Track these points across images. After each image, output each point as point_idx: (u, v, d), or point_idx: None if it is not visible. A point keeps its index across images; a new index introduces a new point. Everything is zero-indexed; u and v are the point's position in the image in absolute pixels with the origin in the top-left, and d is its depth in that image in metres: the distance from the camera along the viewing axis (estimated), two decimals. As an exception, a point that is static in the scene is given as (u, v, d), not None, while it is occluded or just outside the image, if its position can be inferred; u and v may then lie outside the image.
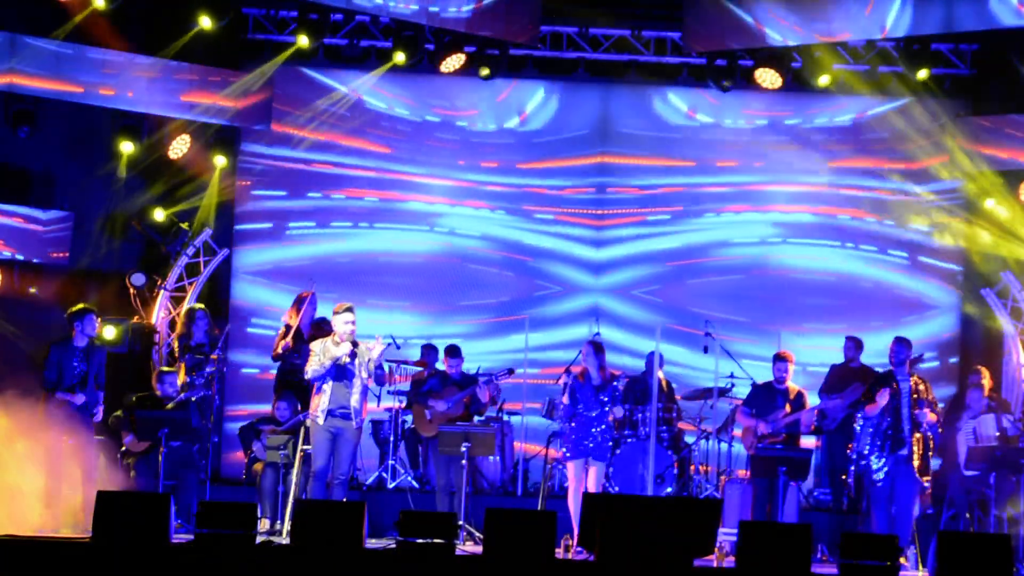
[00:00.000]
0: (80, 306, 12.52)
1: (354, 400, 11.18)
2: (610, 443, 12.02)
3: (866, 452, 11.66)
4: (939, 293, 15.61)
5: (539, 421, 14.32)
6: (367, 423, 14.28)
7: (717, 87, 15.18)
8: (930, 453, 11.76)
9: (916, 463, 11.57)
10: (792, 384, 12.79)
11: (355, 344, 11.25)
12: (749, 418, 12.74)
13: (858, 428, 11.76)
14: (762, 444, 12.45)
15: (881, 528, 11.44)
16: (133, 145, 14.54)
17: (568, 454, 11.93)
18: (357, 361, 11.22)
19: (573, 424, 11.87)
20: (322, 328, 13.12)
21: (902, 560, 11.34)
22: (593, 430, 11.86)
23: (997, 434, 12.84)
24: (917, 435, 11.59)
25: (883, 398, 11.55)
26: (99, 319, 12.60)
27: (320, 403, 11.21)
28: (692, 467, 13.95)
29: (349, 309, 11.31)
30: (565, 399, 11.90)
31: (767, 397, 12.74)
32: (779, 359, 12.82)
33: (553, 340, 15.54)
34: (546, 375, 14.93)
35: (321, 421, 11.20)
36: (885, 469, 11.54)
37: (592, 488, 11.75)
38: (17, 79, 13.71)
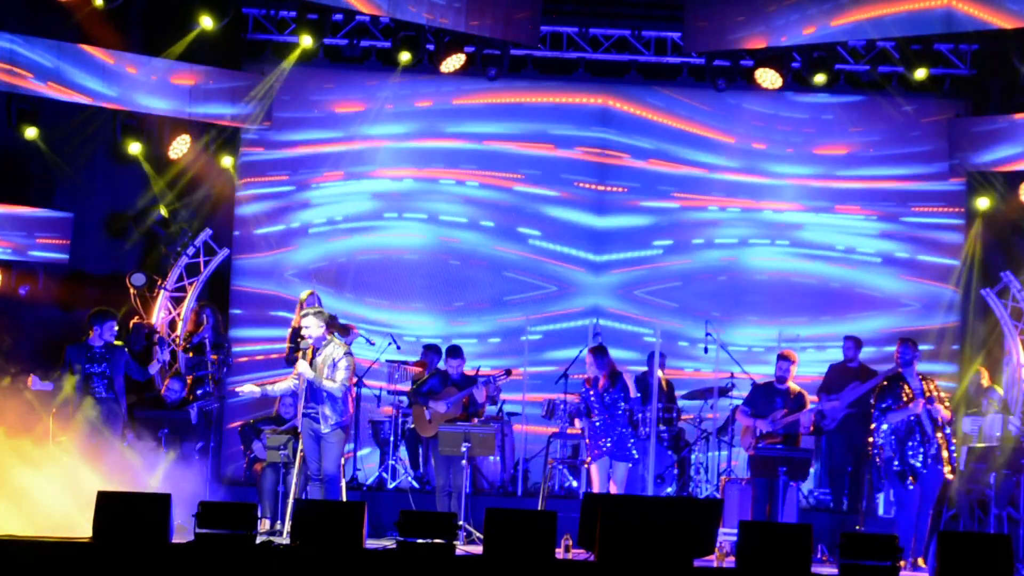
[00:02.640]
0: (102, 309, 12.61)
1: (324, 406, 11.20)
2: (631, 440, 12.05)
3: (892, 458, 11.57)
4: (939, 293, 15.61)
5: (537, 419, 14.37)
6: (367, 423, 14.41)
7: (713, 87, 15.20)
8: (954, 450, 11.72)
9: (945, 463, 11.53)
10: (792, 384, 12.78)
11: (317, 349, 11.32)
12: (748, 417, 12.72)
13: (882, 433, 11.64)
14: (762, 444, 12.44)
15: (907, 532, 11.36)
16: (140, 145, 14.54)
17: (590, 457, 12.04)
18: (321, 364, 11.23)
19: (596, 425, 11.97)
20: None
21: (920, 562, 11.34)
22: (610, 432, 11.92)
23: (999, 435, 12.82)
24: (939, 434, 11.56)
25: (917, 406, 11.49)
26: (118, 325, 12.67)
27: (299, 406, 11.34)
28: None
29: (306, 315, 11.42)
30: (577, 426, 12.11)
31: (766, 397, 12.72)
32: (782, 358, 12.80)
33: (552, 339, 15.56)
34: (546, 374, 14.98)
35: (299, 424, 11.33)
36: (922, 472, 11.47)
37: (616, 488, 11.82)
38: (17, 79, 13.70)
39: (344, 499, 11.35)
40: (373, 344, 13.96)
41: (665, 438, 13.55)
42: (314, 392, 11.19)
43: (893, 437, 11.54)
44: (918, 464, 11.47)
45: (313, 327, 11.31)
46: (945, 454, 11.50)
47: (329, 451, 11.23)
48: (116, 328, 12.57)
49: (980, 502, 12.60)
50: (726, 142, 15.88)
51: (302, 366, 11.23)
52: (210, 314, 14.09)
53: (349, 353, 11.39)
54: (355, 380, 11.96)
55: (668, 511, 10.23)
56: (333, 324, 13.08)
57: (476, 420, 12.77)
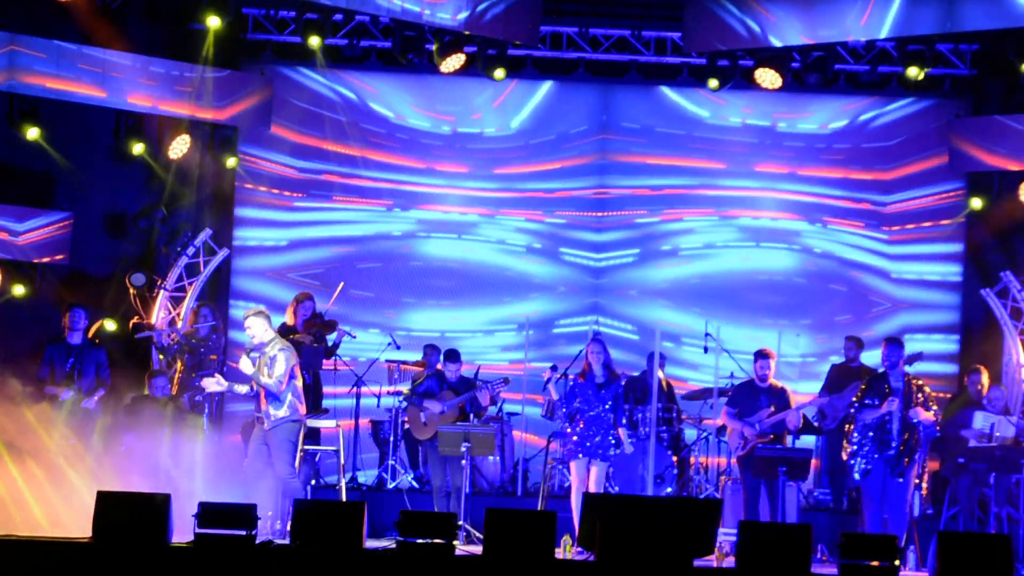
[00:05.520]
0: (70, 303, 12.63)
1: (263, 403, 11.33)
2: (612, 442, 12.01)
3: (853, 452, 11.67)
4: (939, 293, 15.61)
5: (540, 420, 14.36)
6: (367, 422, 14.44)
7: (708, 88, 15.15)
8: (915, 452, 11.72)
9: (905, 462, 11.58)
10: (775, 381, 12.73)
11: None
12: (734, 419, 12.66)
13: (855, 428, 11.72)
14: (760, 444, 12.41)
15: (873, 528, 11.42)
16: (139, 145, 14.53)
17: (569, 455, 11.94)
18: (261, 363, 11.30)
19: (577, 422, 11.87)
20: (313, 323, 13.23)
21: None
22: (594, 429, 11.87)
23: (1004, 435, 12.80)
24: (907, 436, 11.57)
25: (891, 404, 11.52)
26: (88, 313, 12.71)
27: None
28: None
29: (248, 317, 11.45)
30: (554, 394, 11.94)
31: (750, 396, 12.64)
32: (761, 356, 12.70)
33: (552, 340, 15.57)
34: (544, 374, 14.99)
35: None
36: (869, 469, 11.55)
37: (593, 488, 11.75)
38: (17, 79, 13.69)
39: (344, 499, 11.37)
40: (354, 337, 13.93)
41: (665, 438, 13.55)
42: (258, 393, 11.34)
43: (861, 433, 11.61)
44: (875, 460, 11.53)
45: (256, 329, 11.35)
46: (907, 458, 11.54)
47: (277, 450, 11.30)
48: (85, 316, 12.62)
49: (980, 502, 12.61)
50: (723, 143, 15.88)
51: (243, 362, 11.33)
52: (208, 312, 14.11)
53: (284, 349, 11.40)
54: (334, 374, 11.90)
55: (668, 511, 10.23)
56: (317, 320, 13.12)
57: (475, 420, 12.76)
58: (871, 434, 11.59)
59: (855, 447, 11.65)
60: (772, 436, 12.50)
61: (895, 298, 15.66)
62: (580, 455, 11.85)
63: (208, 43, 14.46)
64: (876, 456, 11.56)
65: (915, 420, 11.53)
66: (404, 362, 14.43)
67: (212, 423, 13.50)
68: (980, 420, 12.83)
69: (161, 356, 14.10)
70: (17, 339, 14.09)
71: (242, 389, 11.59)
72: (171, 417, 12.62)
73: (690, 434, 14.18)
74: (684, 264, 15.89)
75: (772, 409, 12.49)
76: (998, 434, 12.78)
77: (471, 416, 12.80)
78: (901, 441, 11.52)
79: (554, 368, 12.40)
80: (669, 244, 15.91)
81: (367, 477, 14.16)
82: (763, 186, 15.86)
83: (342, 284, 14.03)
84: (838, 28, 14.24)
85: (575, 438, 11.88)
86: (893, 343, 11.84)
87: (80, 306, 12.70)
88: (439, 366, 13.19)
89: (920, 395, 11.62)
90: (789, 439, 12.89)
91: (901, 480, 11.58)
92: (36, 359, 12.86)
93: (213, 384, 11.56)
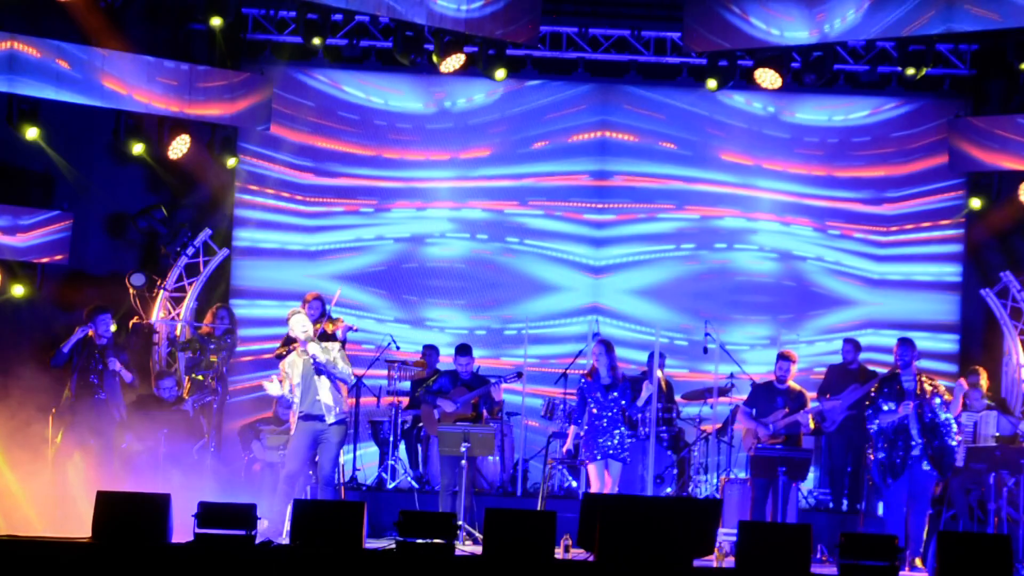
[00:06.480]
0: (96, 305, 12.67)
1: (325, 397, 11.09)
2: (626, 441, 12.01)
3: (881, 454, 11.59)
4: (938, 293, 15.61)
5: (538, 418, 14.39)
6: (367, 423, 14.42)
7: (705, 88, 15.14)
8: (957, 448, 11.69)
9: (934, 463, 11.55)
10: (793, 384, 12.77)
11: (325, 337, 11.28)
12: (750, 419, 12.70)
13: (875, 429, 11.65)
14: (762, 444, 12.44)
15: (895, 530, 11.35)
16: (139, 145, 14.52)
17: (587, 457, 11.95)
18: (325, 358, 11.10)
19: (587, 427, 11.89)
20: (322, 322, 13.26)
21: (917, 562, 11.33)
22: (608, 431, 11.86)
23: (996, 434, 12.81)
24: (930, 433, 11.53)
25: (906, 408, 11.49)
26: (113, 315, 12.76)
27: (295, 408, 11.22)
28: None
29: (295, 315, 11.26)
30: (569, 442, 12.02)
31: (767, 397, 12.71)
32: (782, 358, 12.79)
33: (552, 340, 15.57)
34: (546, 375, 15.00)
35: (292, 426, 11.26)
36: (898, 473, 11.49)
37: (610, 488, 11.78)
38: (17, 79, 13.69)
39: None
40: (356, 330, 13.84)
41: (665, 438, 13.55)
42: (312, 388, 11.06)
43: (882, 436, 11.57)
44: (899, 463, 11.48)
45: (304, 325, 11.18)
46: (934, 453, 11.50)
47: (329, 451, 11.16)
48: (111, 321, 12.61)
49: (980, 502, 12.60)
50: (722, 144, 15.88)
51: (313, 347, 11.05)
52: (225, 315, 14.13)
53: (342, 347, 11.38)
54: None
55: (668, 511, 10.23)
56: (327, 320, 13.13)
57: (488, 418, 12.76)
58: (899, 437, 11.51)
59: (883, 451, 11.56)
60: (786, 437, 12.53)
61: (895, 297, 15.65)
62: (599, 457, 11.86)
63: (219, 43, 14.50)
64: (904, 457, 11.49)
65: (928, 417, 11.51)
66: (404, 362, 14.43)
67: (214, 425, 13.51)
68: (964, 419, 12.86)
69: (173, 349, 14.13)
70: (17, 339, 14.10)
71: (290, 396, 11.25)
72: (175, 418, 12.61)
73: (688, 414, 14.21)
74: (683, 264, 15.89)
75: (787, 410, 12.52)
76: (997, 433, 12.79)
77: (484, 413, 12.79)
78: (924, 442, 11.47)
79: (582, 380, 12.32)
80: (670, 243, 15.91)
81: (367, 475, 14.20)
82: (764, 186, 15.86)
83: (339, 290, 13.99)
84: (838, 27, 14.23)
85: (591, 439, 11.87)
86: (905, 343, 11.80)
87: (106, 309, 12.70)
88: (452, 361, 13.15)
89: (935, 389, 11.58)
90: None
91: (945, 478, 11.61)
92: (38, 359, 12.85)
93: (275, 387, 11.21)
